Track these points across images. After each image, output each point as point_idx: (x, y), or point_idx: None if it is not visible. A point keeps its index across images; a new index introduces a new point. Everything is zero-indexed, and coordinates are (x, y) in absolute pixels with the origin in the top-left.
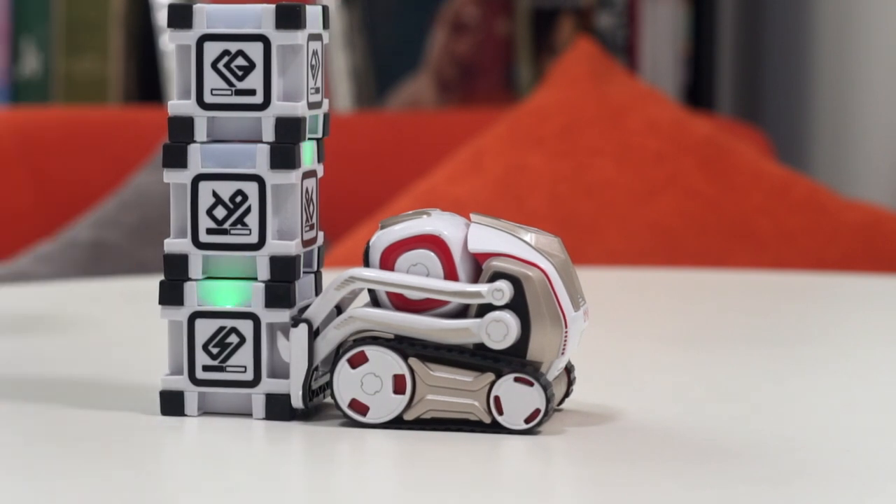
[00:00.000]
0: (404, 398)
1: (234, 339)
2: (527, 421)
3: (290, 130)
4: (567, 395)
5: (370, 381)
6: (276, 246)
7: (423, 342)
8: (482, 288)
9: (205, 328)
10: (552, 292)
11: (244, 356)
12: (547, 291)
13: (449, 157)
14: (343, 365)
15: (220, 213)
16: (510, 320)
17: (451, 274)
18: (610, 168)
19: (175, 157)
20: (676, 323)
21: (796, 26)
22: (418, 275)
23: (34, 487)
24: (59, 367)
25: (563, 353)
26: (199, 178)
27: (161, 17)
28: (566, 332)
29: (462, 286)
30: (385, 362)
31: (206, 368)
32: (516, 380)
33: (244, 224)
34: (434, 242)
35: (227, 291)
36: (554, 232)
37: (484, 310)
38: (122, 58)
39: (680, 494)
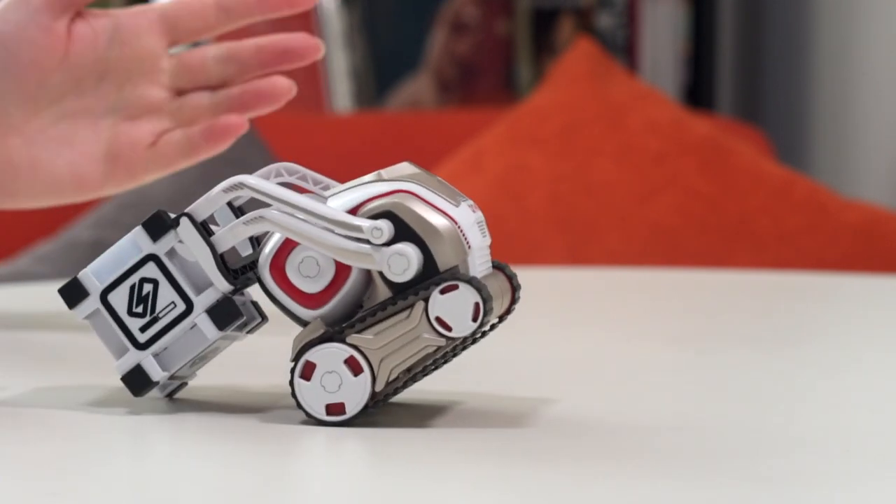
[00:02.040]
0: (366, 375)
1: (147, 287)
2: (474, 320)
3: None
4: (515, 300)
5: (329, 379)
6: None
7: (351, 321)
8: (364, 223)
9: (119, 298)
10: (423, 202)
11: (167, 294)
12: (419, 204)
13: (449, 157)
14: (299, 383)
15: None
16: (411, 253)
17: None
18: (610, 168)
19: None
20: (676, 323)
21: (796, 26)
22: (310, 270)
23: (31, 488)
24: (58, 368)
25: (470, 247)
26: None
27: None
28: (459, 227)
29: (346, 217)
30: (331, 355)
31: (143, 329)
32: (442, 291)
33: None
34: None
35: (116, 258)
36: (554, 232)
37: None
38: None
39: (679, 495)
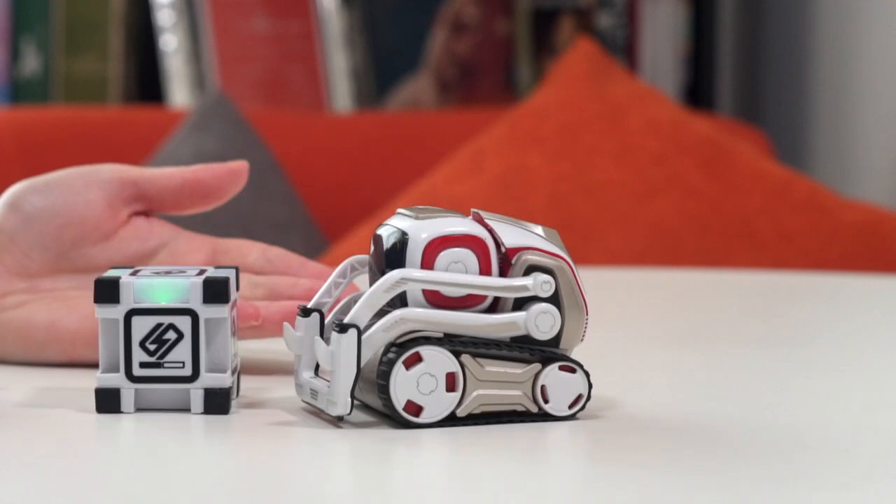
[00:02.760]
0: (457, 395)
1: (171, 335)
2: (570, 406)
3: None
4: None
5: (426, 381)
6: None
7: (472, 339)
8: (527, 282)
9: (141, 325)
10: (576, 281)
11: (182, 352)
12: (573, 281)
13: (449, 157)
14: (399, 367)
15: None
16: (556, 312)
17: (485, 272)
18: (610, 168)
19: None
20: (676, 323)
21: (796, 26)
22: (457, 272)
23: (31, 488)
24: (58, 368)
25: (581, 340)
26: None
27: (161, 17)
28: (586, 319)
29: (509, 281)
30: (439, 361)
31: (143, 365)
32: (561, 368)
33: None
34: (476, 243)
35: (163, 289)
36: None
37: (520, 303)
38: (122, 58)
39: (679, 495)
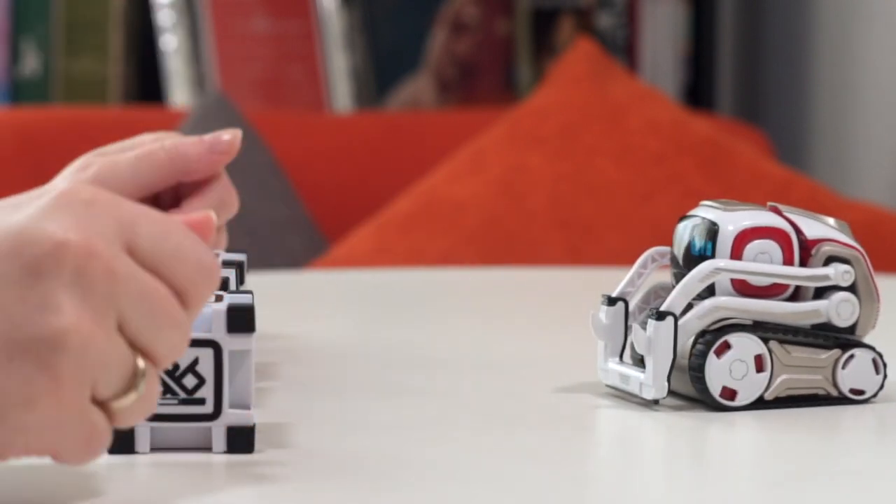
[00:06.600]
0: (766, 375)
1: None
2: (868, 390)
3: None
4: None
5: (737, 366)
6: (236, 417)
7: (777, 326)
8: (829, 271)
9: None
10: (869, 271)
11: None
12: (866, 271)
13: (449, 157)
14: (711, 357)
15: (171, 381)
16: (855, 300)
17: (788, 262)
18: (610, 168)
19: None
20: None
21: (796, 26)
22: (763, 262)
23: (33, 487)
24: None
25: (873, 328)
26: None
27: (161, 17)
28: (878, 307)
29: (813, 271)
30: (746, 346)
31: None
32: (859, 353)
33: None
34: (780, 235)
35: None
36: (554, 232)
37: (818, 292)
38: (122, 58)
39: (688, 495)
